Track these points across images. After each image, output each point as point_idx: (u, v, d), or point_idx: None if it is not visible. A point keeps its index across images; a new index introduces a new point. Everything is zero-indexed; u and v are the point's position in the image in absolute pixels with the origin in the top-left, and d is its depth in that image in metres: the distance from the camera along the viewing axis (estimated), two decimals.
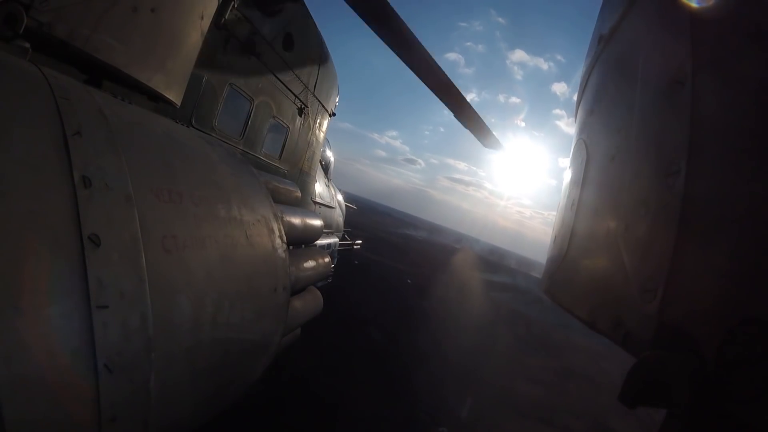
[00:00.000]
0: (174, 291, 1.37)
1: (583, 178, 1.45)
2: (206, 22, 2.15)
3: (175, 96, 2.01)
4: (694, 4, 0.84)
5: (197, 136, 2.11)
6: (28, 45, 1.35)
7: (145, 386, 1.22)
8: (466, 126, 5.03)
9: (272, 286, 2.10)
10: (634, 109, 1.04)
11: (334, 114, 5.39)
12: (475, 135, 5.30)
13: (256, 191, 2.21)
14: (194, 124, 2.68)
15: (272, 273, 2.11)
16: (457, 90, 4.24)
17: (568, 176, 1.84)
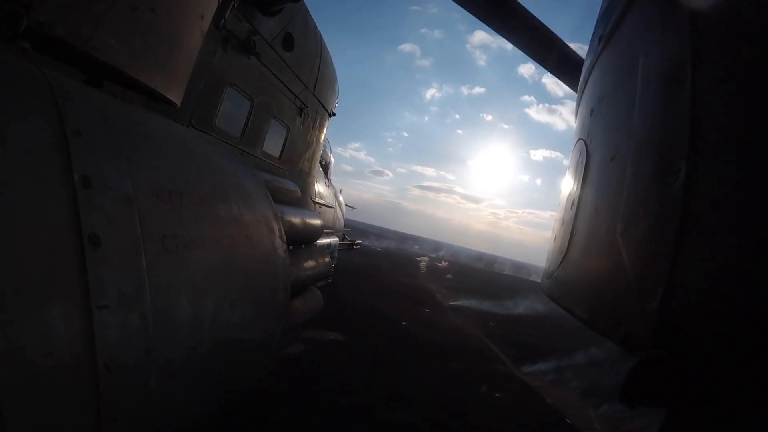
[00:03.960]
0: (174, 291, 1.37)
1: (583, 178, 1.45)
2: (206, 22, 2.15)
3: (175, 96, 2.01)
4: (694, 4, 0.84)
5: (197, 136, 2.12)
6: (28, 45, 1.35)
7: (145, 386, 1.22)
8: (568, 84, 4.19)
9: (272, 286, 2.10)
10: (634, 109, 1.04)
11: (333, 114, 5.39)
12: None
13: (256, 191, 2.21)
14: (194, 124, 2.67)
15: (272, 273, 2.11)
16: (564, 45, 3.66)
17: (568, 176, 1.84)
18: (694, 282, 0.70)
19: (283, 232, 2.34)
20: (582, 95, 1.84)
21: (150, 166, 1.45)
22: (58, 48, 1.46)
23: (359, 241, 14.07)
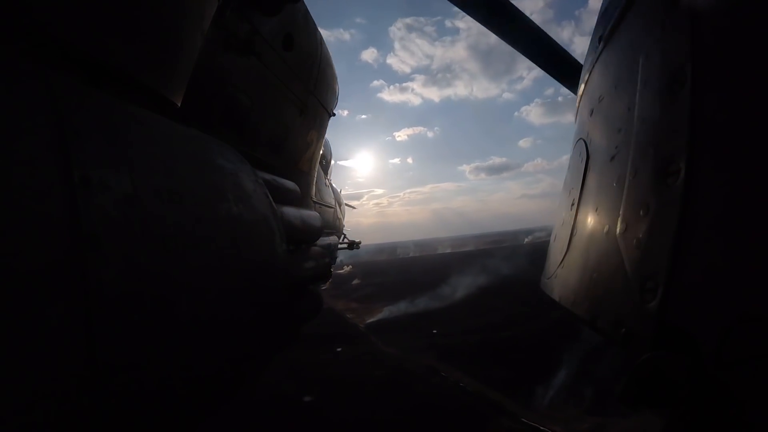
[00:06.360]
0: (174, 291, 1.37)
1: (583, 178, 1.45)
2: (206, 22, 2.15)
3: (175, 96, 2.01)
4: (694, 4, 0.84)
5: (197, 136, 2.11)
6: (28, 45, 1.35)
7: (145, 387, 1.22)
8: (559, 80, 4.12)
9: (272, 287, 2.10)
10: (634, 109, 1.04)
11: (333, 114, 5.40)
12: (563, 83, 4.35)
13: (256, 191, 2.21)
14: (194, 124, 2.67)
15: (272, 273, 2.11)
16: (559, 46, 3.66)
17: (568, 176, 1.84)
18: (695, 282, 0.70)
19: (283, 232, 2.34)
20: (582, 95, 1.84)
21: (150, 166, 1.45)
22: (58, 48, 1.46)
23: (359, 241, 14.05)
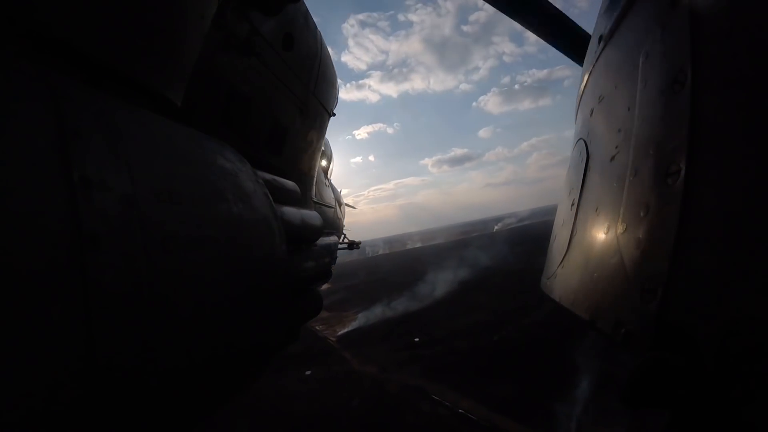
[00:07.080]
0: (174, 291, 1.37)
1: (583, 178, 1.45)
2: (206, 22, 2.15)
3: (175, 96, 2.01)
4: (694, 4, 0.84)
5: (197, 136, 2.11)
6: (28, 45, 1.35)
7: (145, 387, 1.22)
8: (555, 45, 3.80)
9: (272, 287, 2.10)
10: (634, 109, 1.04)
11: (334, 114, 5.40)
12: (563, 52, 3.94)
13: (256, 191, 2.21)
14: (194, 124, 2.67)
15: (272, 273, 2.11)
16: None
17: (568, 176, 1.84)
18: (695, 282, 0.70)
19: (283, 232, 2.34)
20: (582, 95, 1.84)
21: (150, 166, 1.45)
22: (58, 48, 1.46)
23: (359, 241, 14.03)
